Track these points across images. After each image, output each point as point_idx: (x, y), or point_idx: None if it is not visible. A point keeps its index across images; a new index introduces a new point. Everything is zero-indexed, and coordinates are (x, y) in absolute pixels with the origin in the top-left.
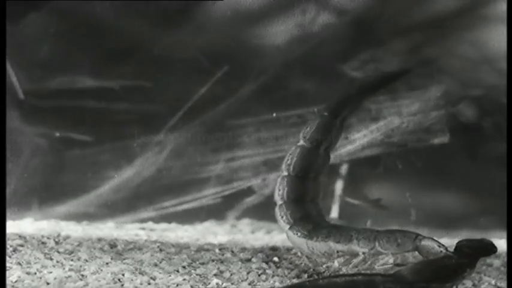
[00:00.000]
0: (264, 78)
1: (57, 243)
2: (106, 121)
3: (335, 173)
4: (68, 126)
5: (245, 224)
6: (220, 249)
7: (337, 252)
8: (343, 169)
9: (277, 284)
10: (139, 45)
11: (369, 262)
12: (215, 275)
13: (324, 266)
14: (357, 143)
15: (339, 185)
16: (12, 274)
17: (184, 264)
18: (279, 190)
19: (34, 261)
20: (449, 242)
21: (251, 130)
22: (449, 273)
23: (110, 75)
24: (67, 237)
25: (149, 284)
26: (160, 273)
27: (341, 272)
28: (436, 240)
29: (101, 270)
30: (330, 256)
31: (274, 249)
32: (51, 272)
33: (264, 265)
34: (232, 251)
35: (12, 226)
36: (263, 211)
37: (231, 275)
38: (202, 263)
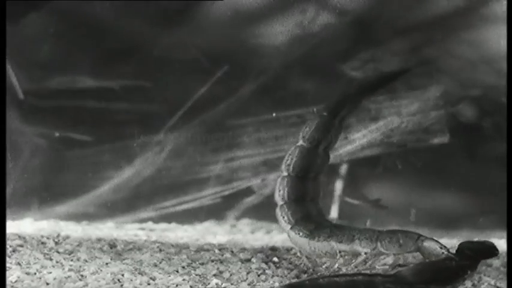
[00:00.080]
0: (263, 78)
1: (56, 243)
2: (106, 121)
3: (335, 173)
4: (68, 126)
5: (245, 224)
6: (219, 250)
7: (340, 252)
8: (343, 169)
9: (276, 284)
10: (139, 45)
11: (370, 262)
12: (215, 275)
13: (324, 266)
14: (356, 143)
15: (338, 185)
16: (12, 274)
17: (184, 264)
18: (279, 190)
19: (34, 261)
20: (449, 241)
21: (251, 130)
22: (449, 275)
23: (109, 75)
24: (67, 238)
25: (149, 284)
26: (159, 273)
27: (341, 272)
28: (437, 242)
29: (101, 270)
30: (332, 256)
31: (273, 249)
32: (50, 272)
33: (264, 265)
34: (232, 251)
35: (12, 226)
36: (263, 211)
37: (231, 275)
38: (202, 263)
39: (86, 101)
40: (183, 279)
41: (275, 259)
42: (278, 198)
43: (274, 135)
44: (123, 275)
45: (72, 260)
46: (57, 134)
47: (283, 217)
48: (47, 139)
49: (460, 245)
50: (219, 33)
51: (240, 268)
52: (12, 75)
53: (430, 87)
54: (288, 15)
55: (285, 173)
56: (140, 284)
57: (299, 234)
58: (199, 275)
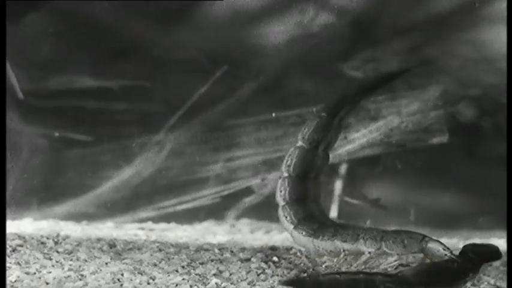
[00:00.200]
0: (263, 78)
1: (56, 243)
2: (105, 121)
3: (334, 172)
4: (68, 126)
5: (244, 223)
6: (219, 249)
7: (344, 251)
8: (343, 169)
9: (276, 284)
10: (139, 45)
11: (372, 262)
12: (214, 274)
13: (324, 265)
14: (356, 143)
15: (338, 185)
16: (12, 274)
17: (184, 264)
18: (281, 191)
19: (33, 261)
20: (449, 241)
21: (250, 130)
22: (451, 276)
23: (109, 75)
24: (66, 237)
25: (148, 283)
26: (159, 273)
27: (342, 270)
28: (441, 243)
29: (100, 270)
30: (336, 255)
31: (273, 249)
32: (50, 272)
33: (264, 265)
34: (232, 251)
35: (12, 226)
36: (262, 211)
37: (231, 274)
38: (202, 263)
39: (86, 101)
40: (183, 279)
41: (275, 259)
42: (279, 199)
43: (274, 135)
44: (122, 275)
45: (71, 260)
46: (56, 134)
47: (286, 217)
48: (46, 139)
49: (464, 247)
50: (219, 33)
51: (240, 268)
52: (12, 75)
53: (430, 87)
54: (287, 15)
55: (286, 174)
56: (140, 284)
57: (302, 233)
58: (199, 275)
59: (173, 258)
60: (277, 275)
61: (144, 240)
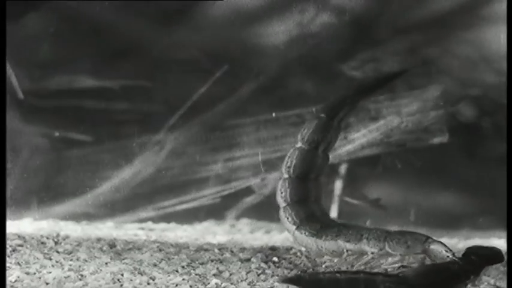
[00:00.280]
0: (263, 78)
1: (56, 243)
2: (106, 121)
3: (334, 172)
4: (68, 126)
5: (244, 223)
6: (219, 249)
7: (347, 251)
8: (342, 169)
9: (276, 284)
10: (139, 45)
11: (373, 262)
12: (214, 274)
13: (324, 265)
14: (356, 143)
15: (338, 185)
16: (12, 274)
17: (184, 264)
18: (281, 192)
19: (33, 261)
20: (449, 241)
21: (250, 130)
22: (452, 278)
23: (109, 75)
24: (66, 237)
25: (148, 284)
26: (159, 273)
27: (343, 269)
28: (444, 245)
29: (100, 270)
30: (338, 255)
31: (273, 249)
32: (50, 272)
33: (263, 265)
34: (232, 251)
35: (12, 226)
36: (262, 211)
37: (230, 275)
38: (202, 263)
39: (86, 101)
40: (183, 279)
41: (275, 259)
42: (280, 200)
43: (273, 135)
44: (122, 275)
45: (71, 260)
46: (57, 134)
47: (287, 218)
48: (46, 139)
49: (467, 249)
50: (219, 33)
51: (240, 268)
52: (12, 75)
53: (430, 87)
54: (287, 15)
55: (286, 175)
56: (140, 284)
57: (305, 233)
58: (199, 275)
59: (173, 258)
60: (277, 275)
61: (144, 240)
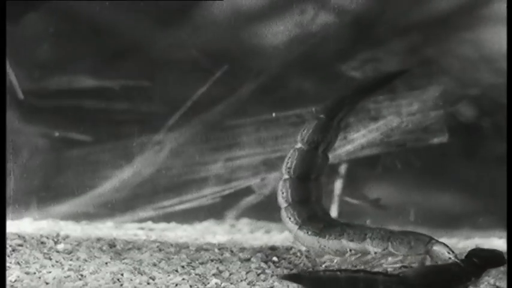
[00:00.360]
0: (263, 78)
1: (56, 242)
2: (106, 121)
3: (334, 172)
4: (68, 126)
5: (244, 223)
6: (219, 249)
7: (350, 250)
8: (342, 169)
9: (276, 283)
10: (139, 45)
11: (375, 262)
12: (214, 274)
13: (323, 265)
14: (356, 143)
15: (338, 185)
16: (11, 274)
17: (184, 264)
18: (282, 193)
19: (33, 260)
20: (449, 241)
21: (250, 130)
22: (452, 280)
23: (109, 75)
24: (66, 237)
25: (148, 283)
26: (159, 273)
27: (343, 267)
28: (447, 246)
29: (100, 270)
30: (341, 254)
31: (273, 248)
32: (50, 272)
33: (263, 265)
34: (232, 251)
35: (11, 226)
36: (262, 211)
37: (230, 274)
38: (202, 263)
39: (86, 100)
40: (183, 279)
41: (274, 258)
42: (281, 201)
43: (273, 135)
44: (122, 275)
45: (71, 260)
46: (57, 134)
47: (290, 218)
48: (46, 139)
49: (470, 251)
50: (219, 33)
51: (240, 267)
52: (12, 75)
53: (430, 87)
54: (287, 15)
55: (286, 176)
56: (140, 284)
57: (308, 232)
58: (199, 275)
59: (173, 258)
60: (277, 275)
61: (144, 240)
